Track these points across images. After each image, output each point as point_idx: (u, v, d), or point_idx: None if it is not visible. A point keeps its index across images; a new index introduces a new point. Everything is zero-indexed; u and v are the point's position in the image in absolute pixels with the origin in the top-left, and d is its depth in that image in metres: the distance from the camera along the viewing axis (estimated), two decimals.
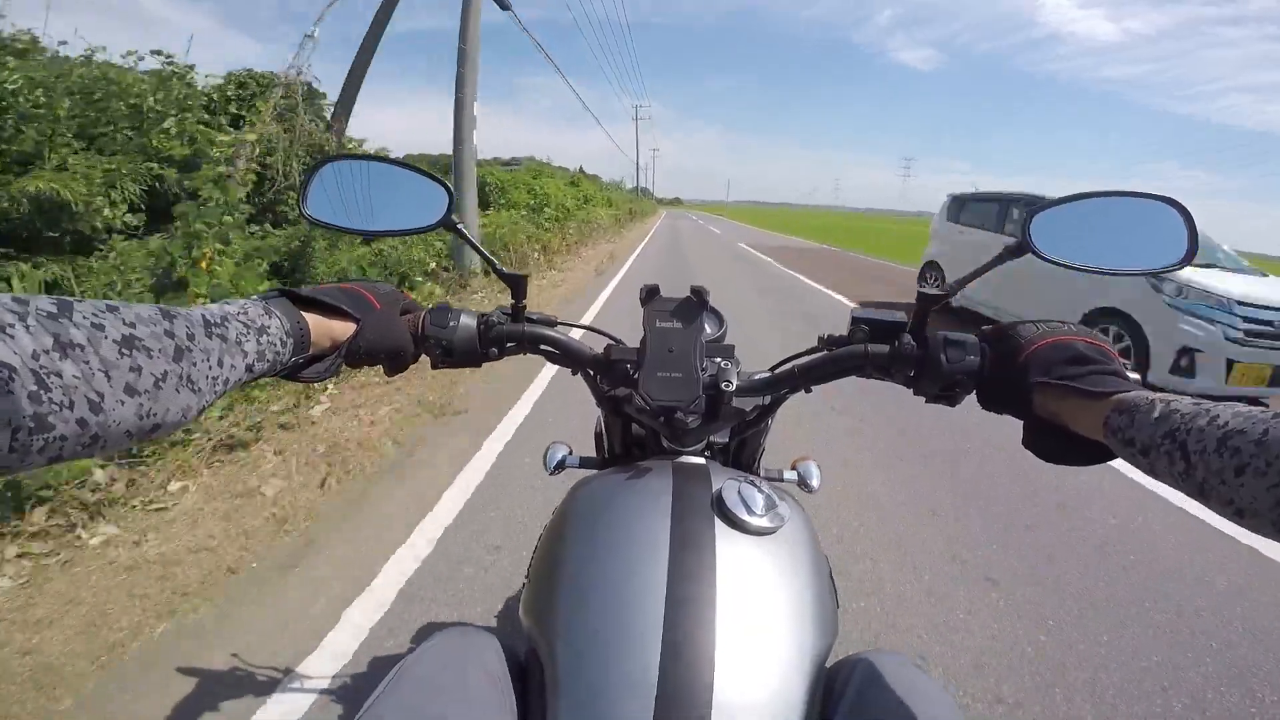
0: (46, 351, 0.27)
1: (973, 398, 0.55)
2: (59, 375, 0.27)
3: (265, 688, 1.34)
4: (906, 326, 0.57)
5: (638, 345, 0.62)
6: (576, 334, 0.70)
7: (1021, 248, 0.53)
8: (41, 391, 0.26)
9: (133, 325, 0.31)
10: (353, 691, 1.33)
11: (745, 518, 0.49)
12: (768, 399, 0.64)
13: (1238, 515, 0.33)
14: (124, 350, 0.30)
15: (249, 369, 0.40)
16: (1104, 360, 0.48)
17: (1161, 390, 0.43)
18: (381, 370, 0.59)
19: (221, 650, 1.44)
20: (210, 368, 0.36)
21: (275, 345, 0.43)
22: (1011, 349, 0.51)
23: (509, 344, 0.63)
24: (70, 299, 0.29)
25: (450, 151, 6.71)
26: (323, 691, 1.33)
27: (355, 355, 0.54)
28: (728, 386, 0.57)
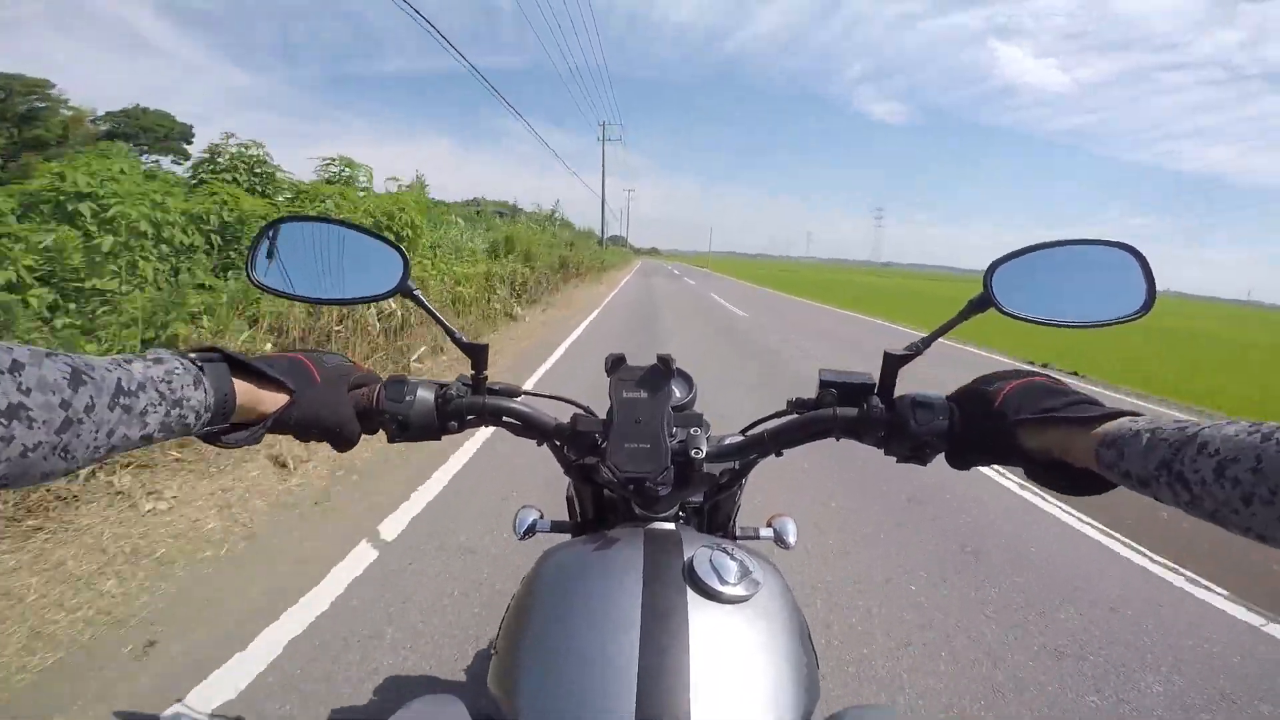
0: None
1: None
2: None
3: None
4: (874, 389, 0.57)
5: (605, 415, 0.60)
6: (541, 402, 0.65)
7: (984, 301, 0.53)
8: None
9: (27, 393, 0.30)
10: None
11: (718, 587, 0.48)
12: (738, 464, 0.62)
13: (1260, 539, 0.33)
14: (2, 420, 0.29)
15: (145, 439, 0.38)
16: (1072, 393, 0.48)
17: (1136, 415, 0.43)
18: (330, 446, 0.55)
19: None
20: (95, 438, 0.34)
21: (187, 418, 0.41)
22: (984, 400, 0.51)
23: (469, 416, 0.60)
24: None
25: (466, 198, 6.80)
26: None
27: (285, 428, 0.51)
28: (697, 454, 0.56)
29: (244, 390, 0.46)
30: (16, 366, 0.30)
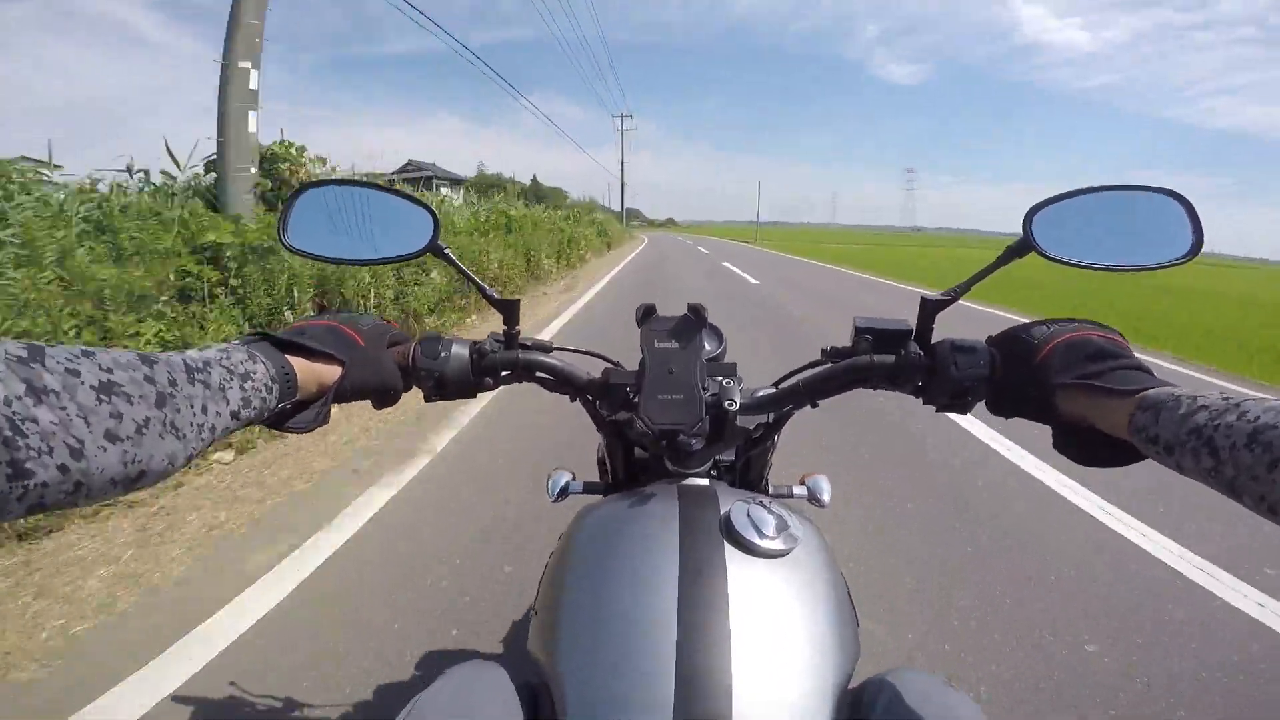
0: (19, 397, 0.26)
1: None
2: (34, 421, 0.26)
3: None
4: (912, 334, 0.55)
5: (636, 368, 0.60)
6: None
7: (1024, 246, 0.52)
8: (16, 437, 0.25)
9: (110, 371, 0.30)
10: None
11: (756, 541, 0.47)
12: (772, 416, 0.62)
13: (1270, 512, 0.32)
14: (102, 396, 0.29)
15: (234, 416, 0.39)
16: (1124, 354, 0.46)
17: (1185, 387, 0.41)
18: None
19: None
20: (195, 414, 0.35)
21: (261, 391, 0.41)
22: (1025, 351, 0.49)
23: (504, 372, 0.61)
24: (41, 344, 0.29)
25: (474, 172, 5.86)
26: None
27: (342, 396, 0.52)
28: (731, 406, 0.55)
29: (299, 366, 0.47)
30: (88, 353, 0.30)
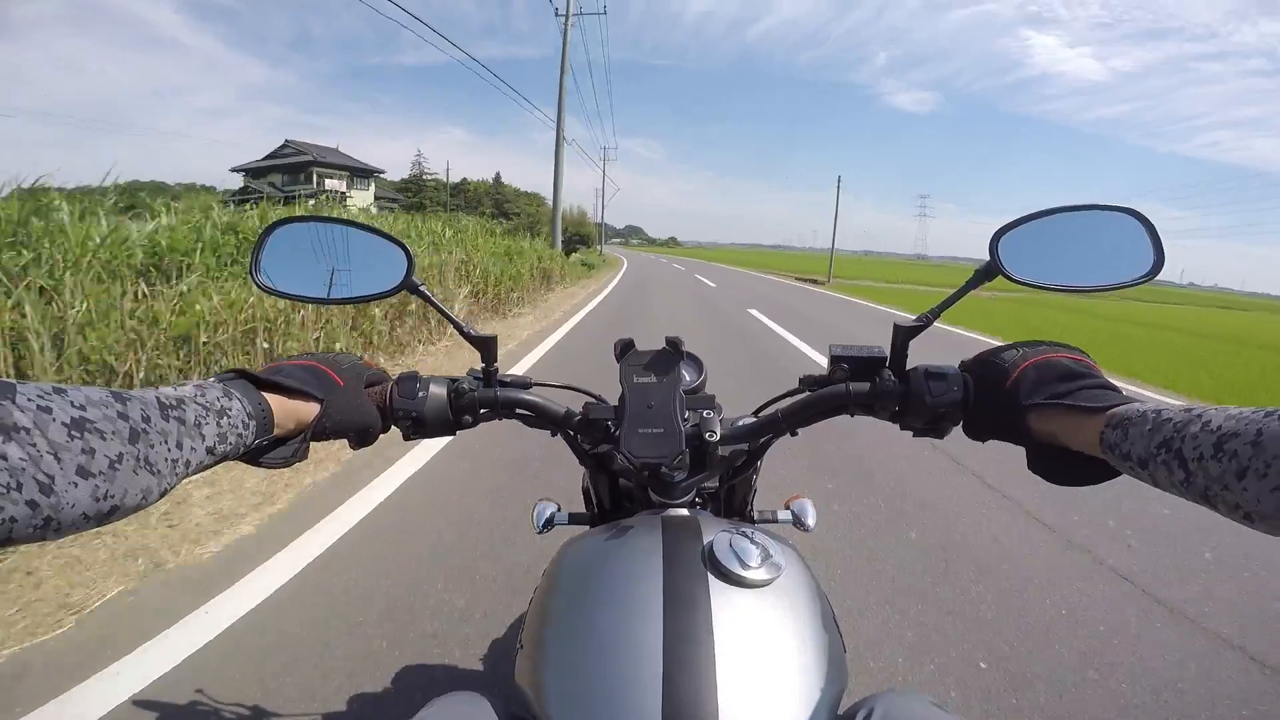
0: None
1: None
2: (3, 458, 0.26)
3: None
4: (886, 362, 0.56)
5: (616, 402, 0.60)
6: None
7: (991, 270, 0.53)
8: None
9: (82, 408, 0.31)
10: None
11: (739, 571, 0.47)
12: (753, 445, 0.62)
13: (1246, 519, 0.32)
14: (74, 432, 0.29)
15: (210, 451, 0.39)
16: (1093, 375, 0.47)
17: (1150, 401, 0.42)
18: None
19: None
20: (169, 450, 0.35)
21: (237, 427, 0.41)
22: (997, 375, 0.50)
23: (482, 410, 0.60)
24: (12, 382, 0.29)
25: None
26: None
27: (321, 434, 0.52)
28: (711, 437, 0.56)
29: (275, 403, 0.47)
30: (59, 390, 0.30)
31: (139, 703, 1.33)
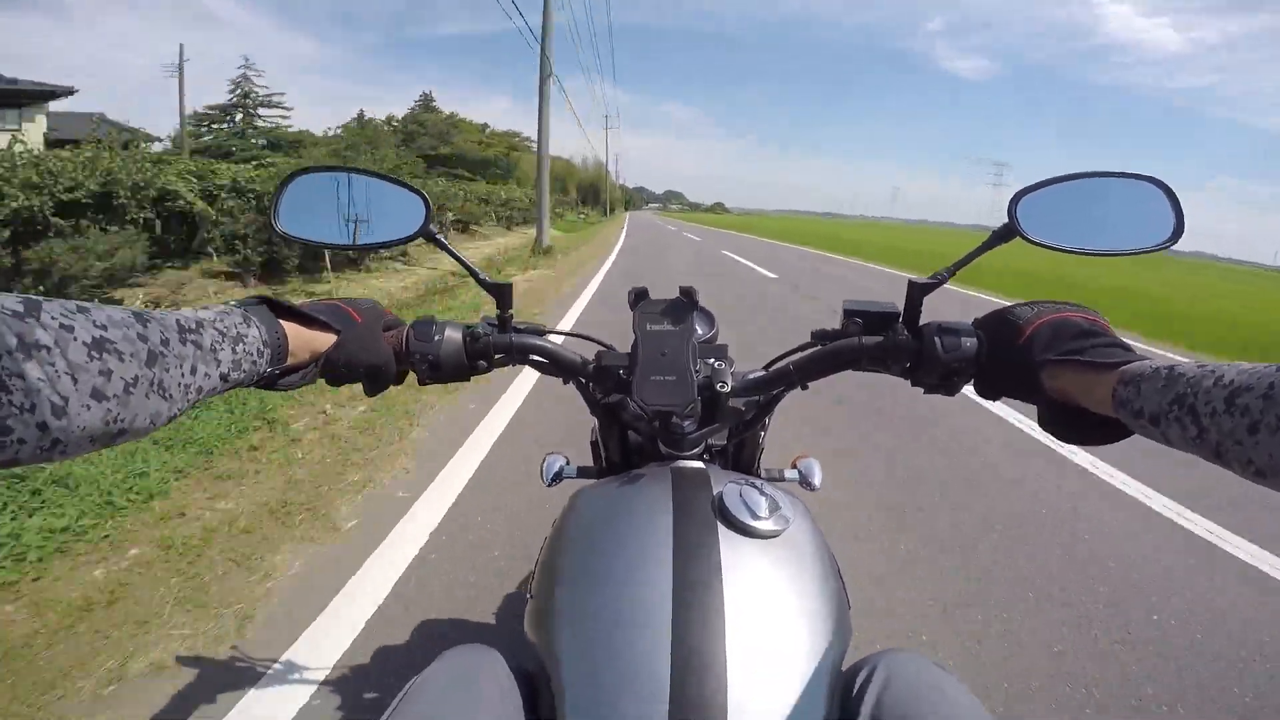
0: (9, 353, 0.26)
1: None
2: (21, 377, 0.26)
3: None
4: (899, 317, 0.56)
5: (629, 350, 0.60)
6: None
7: (1009, 231, 0.52)
8: (1, 393, 0.25)
9: (104, 328, 0.30)
10: (357, 693, 1.23)
11: (749, 521, 0.48)
12: (763, 398, 0.63)
13: (1258, 475, 0.32)
14: (93, 353, 0.29)
15: (223, 378, 0.39)
16: (1106, 334, 0.47)
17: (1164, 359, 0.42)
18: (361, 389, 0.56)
19: None
20: (184, 375, 0.35)
21: (252, 355, 0.42)
22: (1011, 332, 0.50)
23: (497, 355, 0.61)
24: (38, 299, 0.28)
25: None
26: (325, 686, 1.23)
27: (333, 369, 0.53)
28: (723, 387, 0.55)
29: (292, 332, 0.47)
30: (83, 309, 0.30)
31: None
